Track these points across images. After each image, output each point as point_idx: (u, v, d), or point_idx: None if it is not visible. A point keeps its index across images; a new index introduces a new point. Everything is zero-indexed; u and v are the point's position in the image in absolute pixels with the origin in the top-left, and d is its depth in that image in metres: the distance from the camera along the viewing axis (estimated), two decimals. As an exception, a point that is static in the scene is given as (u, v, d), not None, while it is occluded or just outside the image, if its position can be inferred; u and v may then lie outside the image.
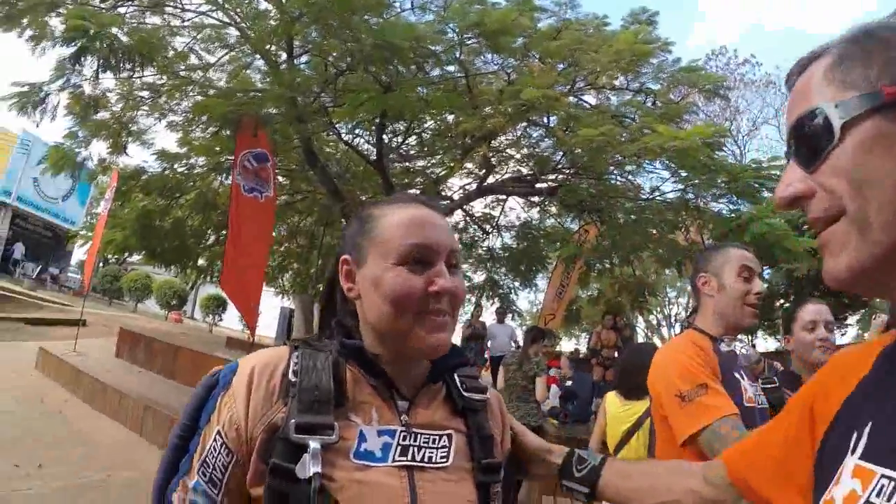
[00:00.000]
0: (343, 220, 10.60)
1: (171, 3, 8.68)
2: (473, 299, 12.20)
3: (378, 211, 1.07)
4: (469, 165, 11.28)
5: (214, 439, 0.95)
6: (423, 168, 11.46)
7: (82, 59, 7.41)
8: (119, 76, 8.55)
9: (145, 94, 9.89)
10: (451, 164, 10.61)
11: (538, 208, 12.33)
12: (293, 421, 0.91)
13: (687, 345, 1.95)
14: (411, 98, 6.83)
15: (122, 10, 8.41)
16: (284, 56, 8.71)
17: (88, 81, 8.50)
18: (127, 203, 10.87)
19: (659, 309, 29.01)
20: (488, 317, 11.74)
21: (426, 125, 10.48)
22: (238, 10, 8.18)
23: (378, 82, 7.22)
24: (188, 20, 8.94)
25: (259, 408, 0.95)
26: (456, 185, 12.52)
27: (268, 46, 8.15)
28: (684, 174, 8.35)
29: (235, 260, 7.26)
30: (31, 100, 8.44)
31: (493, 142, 9.55)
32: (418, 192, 10.82)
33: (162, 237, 10.47)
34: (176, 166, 10.80)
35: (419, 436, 1.00)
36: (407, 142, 10.98)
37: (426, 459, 0.99)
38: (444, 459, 1.01)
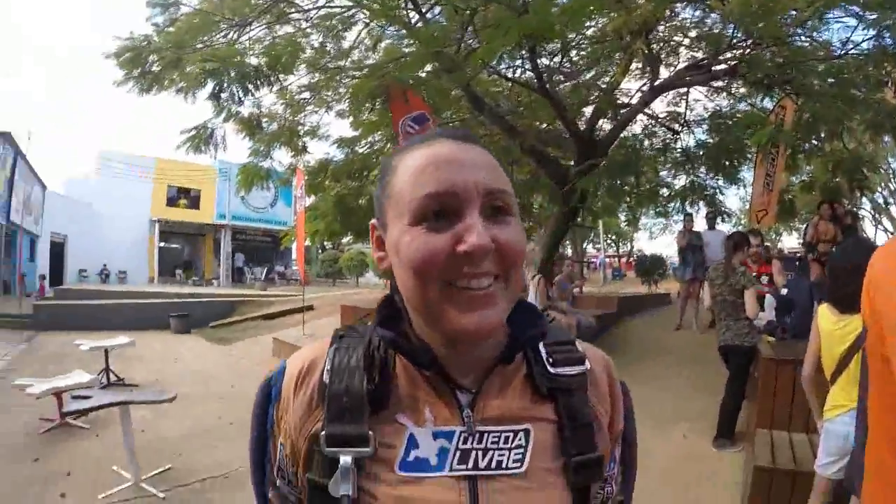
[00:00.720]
0: (525, 155, 10.54)
1: (294, 10, 8.97)
2: (678, 206, 11.52)
3: (396, 159, 0.83)
4: (637, 66, 10.51)
5: (280, 450, 0.86)
6: (592, 81, 10.68)
7: (220, 92, 8.05)
8: (268, 91, 9.12)
9: (306, 95, 10.50)
10: (616, 70, 10.00)
11: (724, 94, 11.04)
12: (323, 433, 0.78)
13: None
14: (548, 14, 6.44)
15: (251, 33, 8.91)
16: (416, 17, 8.72)
17: (240, 106, 9.26)
18: (322, 193, 11.73)
19: (883, 185, 24.97)
20: (700, 224, 10.92)
21: (579, 36, 9.62)
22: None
23: (511, 8, 6.92)
24: (314, 18, 9.20)
25: (300, 416, 0.82)
26: (633, 88, 11.75)
27: (395, 12, 8.17)
28: (873, 16, 7.04)
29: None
30: (200, 138, 9.39)
31: (651, 33, 8.74)
32: (592, 106, 10.43)
33: (361, 216, 11.04)
34: (357, 148, 11.40)
35: (486, 436, 0.79)
36: (567, 58, 10.25)
37: (493, 465, 0.78)
38: (518, 464, 0.78)
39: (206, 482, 5.20)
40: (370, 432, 0.76)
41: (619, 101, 10.76)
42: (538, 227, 14.71)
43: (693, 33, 9.77)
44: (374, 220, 0.87)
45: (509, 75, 10.57)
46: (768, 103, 9.77)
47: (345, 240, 17.47)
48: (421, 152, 0.78)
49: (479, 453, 0.78)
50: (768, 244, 12.60)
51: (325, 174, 11.39)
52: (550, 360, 0.85)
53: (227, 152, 10.15)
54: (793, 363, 2.85)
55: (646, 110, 10.82)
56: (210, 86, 8.07)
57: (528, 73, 9.84)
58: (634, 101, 10.61)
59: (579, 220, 11.44)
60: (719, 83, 10.06)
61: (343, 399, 0.78)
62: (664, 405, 6.55)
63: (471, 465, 0.77)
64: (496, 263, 0.74)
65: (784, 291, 6.46)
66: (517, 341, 0.83)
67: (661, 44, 10.03)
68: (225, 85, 7.91)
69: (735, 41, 8.65)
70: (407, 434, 0.78)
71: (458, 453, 0.78)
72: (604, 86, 10.30)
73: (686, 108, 11.14)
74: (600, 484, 0.87)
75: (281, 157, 11.44)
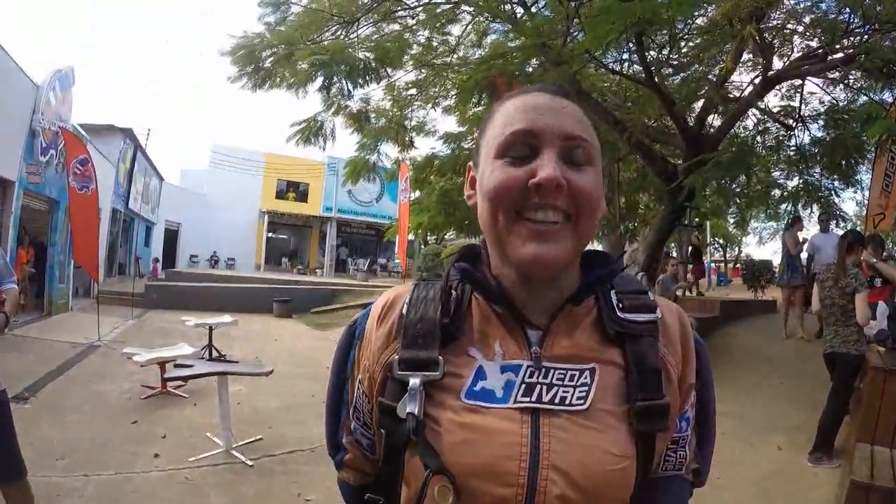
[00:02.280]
0: (632, 152, 10.27)
1: (401, 7, 9.06)
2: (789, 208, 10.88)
3: (496, 108, 0.87)
4: (749, 56, 9.96)
5: (357, 388, 0.92)
6: (701, 73, 10.10)
7: (329, 84, 8.23)
8: (374, 86, 9.26)
9: (413, 91, 10.63)
10: (726, 59, 9.52)
11: (841, 86, 10.35)
12: (396, 356, 0.82)
13: None
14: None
15: (360, 31, 9.07)
16: (521, 10, 8.63)
17: (348, 100, 9.47)
18: (427, 188, 11.87)
19: None
20: (813, 230, 10.27)
21: (687, 25, 9.10)
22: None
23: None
24: (419, 13, 9.27)
25: (379, 347, 0.86)
26: (744, 82, 11.18)
27: (499, 6, 8.12)
28: None
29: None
30: (311, 130, 9.67)
31: (762, 19, 8.22)
32: (701, 101, 9.98)
33: (465, 210, 11.06)
34: (463, 143, 11.45)
35: (551, 371, 0.79)
36: (676, 49, 9.78)
37: (557, 400, 0.78)
38: (582, 401, 0.78)
39: (294, 454, 5.35)
40: (440, 358, 0.80)
41: (729, 95, 10.28)
42: (644, 226, 14.37)
43: (807, 19, 9.10)
44: (469, 164, 0.93)
45: (616, 69, 10.31)
46: (889, 97, 8.96)
47: (448, 234, 17.72)
48: (517, 99, 0.84)
49: (544, 388, 0.78)
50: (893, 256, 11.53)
51: (430, 169, 11.52)
52: (620, 305, 0.85)
53: (335, 146, 10.49)
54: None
55: (758, 104, 10.25)
56: (319, 80, 8.28)
57: (636, 67, 9.56)
58: (746, 95, 10.11)
59: (685, 220, 11.03)
60: (835, 74, 9.36)
61: (417, 326, 0.83)
62: (761, 415, 6.27)
63: (534, 398, 0.78)
64: (567, 203, 0.78)
65: (898, 298, 5.94)
66: (588, 284, 0.84)
67: (774, 32, 9.48)
68: (334, 79, 8.10)
69: (852, 27, 8.01)
70: (476, 366, 0.81)
71: (523, 386, 0.79)
72: (713, 78, 9.82)
73: (801, 102, 10.34)
74: (671, 444, 0.87)
75: (388, 151, 11.72)
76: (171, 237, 31.73)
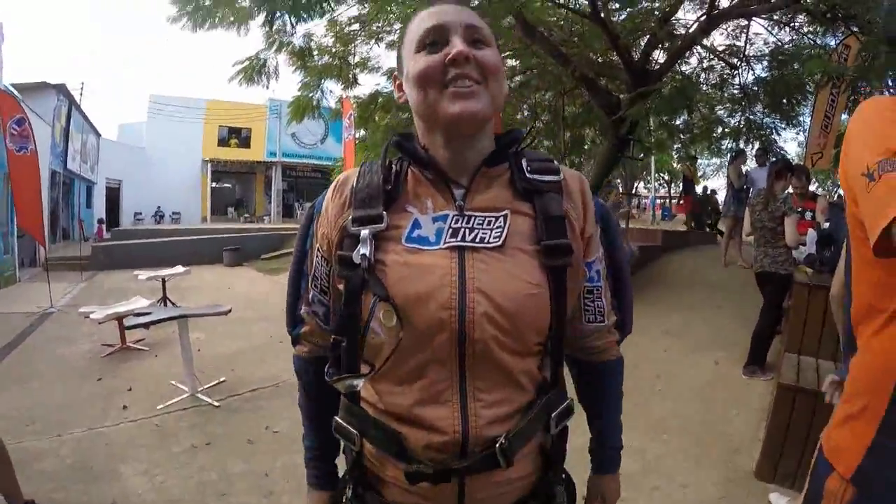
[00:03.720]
0: (577, 86, 10.31)
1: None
2: (731, 145, 11.14)
3: (410, 23, 1.07)
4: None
5: (315, 255, 1.12)
6: (649, 9, 10.00)
7: (272, 19, 8.06)
8: (317, 21, 9.08)
9: (356, 27, 10.45)
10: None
11: (787, 28, 10.58)
12: (349, 216, 1.01)
13: (885, 101, 1.14)
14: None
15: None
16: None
17: (291, 37, 9.32)
18: (371, 125, 11.77)
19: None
20: (751, 164, 10.54)
21: None
22: None
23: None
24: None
25: (335, 214, 1.06)
26: (691, 20, 11.26)
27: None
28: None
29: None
30: (254, 69, 9.46)
31: None
32: (647, 37, 10.11)
33: (410, 146, 11.01)
34: (407, 80, 11.35)
35: (472, 218, 1.00)
36: None
37: (478, 240, 0.98)
38: (497, 240, 0.98)
39: (257, 391, 5.53)
40: (384, 213, 1.00)
41: (675, 32, 10.38)
42: (589, 160, 14.52)
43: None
44: (395, 73, 1.12)
45: (562, 2, 10.29)
46: (833, 42, 9.25)
47: (394, 169, 17.79)
48: (425, 10, 1.03)
49: (467, 231, 0.99)
50: (819, 189, 11.90)
51: (374, 106, 11.34)
52: (529, 168, 1.06)
53: (278, 85, 10.25)
54: (826, 290, 2.77)
55: (703, 43, 10.40)
56: (262, 16, 8.08)
57: (582, 1, 9.57)
58: (691, 32, 10.23)
59: (629, 152, 11.21)
60: (781, 16, 9.59)
61: (365, 191, 1.03)
62: (699, 333, 6.58)
63: (459, 238, 0.98)
64: (477, 73, 0.97)
65: (825, 225, 6.28)
66: (499, 148, 1.06)
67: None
68: (277, 13, 7.91)
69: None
70: (412, 219, 1.01)
71: (450, 230, 0.99)
72: (658, 14, 9.90)
73: (746, 42, 10.49)
74: (587, 294, 1.13)
75: (332, 89, 11.53)
76: (113, 196, 30.58)
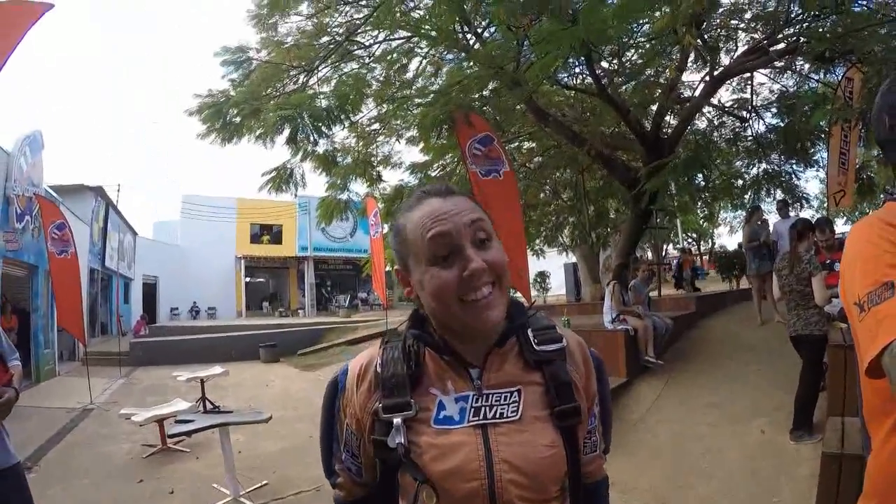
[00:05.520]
0: (594, 162, 10.48)
1: (357, 47, 9.37)
2: (748, 199, 11.18)
3: (403, 219, 1.16)
4: (696, 57, 10.26)
5: (346, 428, 1.21)
6: (652, 79, 10.43)
7: (296, 135, 8.48)
8: (340, 128, 9.44)
9: (376, 126, 10.86)
10: (670, 66, 9.83)
11: (789, 73, 10.56)
12: (380, 404, 1.11)
13: (874, 225, 1.19)
14: (597, 21, 6.43)
15: (320, 74, 9.42)
16: (473, 38, 8.90)
17: (315, 146, 9.74)
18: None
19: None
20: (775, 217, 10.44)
21: (634, 34, 9.31)
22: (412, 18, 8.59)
23: (559, 20, 6.95)
24: (376, 52, 9.59)
25: (364, 400, 1.15)
26: (696, 80, 11.52)
27: (453, 37, 8.37)
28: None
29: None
30: (281, 178, 9.93)
31: (702, 24, 8.50)
32: (656, 105, 10.31)
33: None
34: (429, 172, 11.73)
35: (490, 396, 1.10)
36: (625, 59, 10.01)
37: (498, 416, 1.08)
38: (515, 413, 1.08)
39: (301, 495, 5.46)
40: (412, 400, 1.09)
41: (682, 96, 10.58)
42: (615, 233, 14.56)
43: (748, 15, 9.56)
44: (397, 267, 1.21)
45: (570, 84, 10.58)
46: (837, 78, 9.17)
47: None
48: (420, 210, 1.12)
49: (487, 409, 1.09)
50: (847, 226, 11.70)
51: (399, 200, 11.64)
52: (535, 340, 1.16)
53: (305, 189, 10.62)
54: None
55: (711, 101, 10.57)
56: (286, 132, 8.50)
57: (589, 80, 9.85)
58: (697, 95, 10.43)
59: (656, 220, 11.26)
60: (781, 63, 9.77)
61: (392, 380, 1.12)
62: (742, 402, 6.48)
63: (481, 416, 1.08)
64: (490, 276, 1.07)
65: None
66: (508, 331, 1.15)
67: (719, 30, 9.83)
68: (300, 128, 8.30)
69: (792, 16, 8.43)
70: (437, 400, 1.11)
71: (472, 410, 1.09)
72: (665, 82, 10.13)
73: (752, 94, 10.80)
74: (586, 435, 1.20)
75: (357, 188, 11.90)
76: (150, 291, 31.43)
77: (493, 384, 1.11)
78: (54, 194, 15.26)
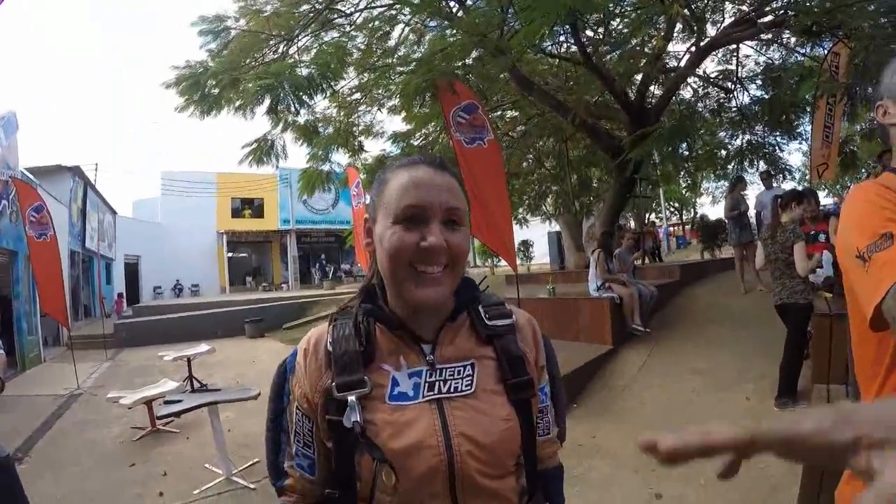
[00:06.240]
0: (578, 131, 10.43)
1: (337, 15, 9.19)
2: (731, 170, 11.20)
3: (388, 174, 1.15)
4: (682, 27, 10.20)
5: (296, 413, 1.17)
6: (637, 48, 10.21)
7: (277, 106, 8.32)
8: (322, 98, 9.28)
9: (357, 95, 10.71)
10: (656, 37, 9.76)
11: (775, 45, 10.62)
12: (332, 383, 1.08)
13: (871, 187, 1.28)
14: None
15: (300, 42, 9.25)
16: (456, 6, 8.78)
17: (296, 116, 9.61)
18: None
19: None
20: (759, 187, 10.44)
21: (619, 5, 9.17)
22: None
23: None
24: (357, 20, 9.42)
25: (314, 379, 1.13)
26: (681, 51, 11.46)
27: (436, 4, 8.23)
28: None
29: (479, 208, 7.42)
30: (262, 150, 9.76)
31: None
32: (641, 74, 10.31)
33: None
34: (412, 141, 11.70)
35: (444, 370, 1.11)
36: (610, 28, 9.87)
37: (452, 390, 1.09)
38: (469, 387, 1.10)
39: (292, 471, 5.44)
40: (365, 378, 1.07)
41: (667, 66, 10.54)
42: (599, 201, 14.58)
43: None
44: (366, 215, 1.20)
45: (555, 52, 10.49)
46: (823, 52, 9.16)
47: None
48: (407, 172, 1.10)
49: (441, 383, 1.10)
50: (832, 199, 11.84)
51: (382, 168, 11.58)
52: (486, 315, 1.19)
53: (287, 160, 10.46)
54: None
55: (697, 72, 10.55)
56: (267, 101, 8.35)
57: (574, 48, 9.77)
58: (683, 65, 10.39)
59: (639, 189, 11.29)
60: (768, 35, 9.71)
61: (344, 358, 1.10)
62: (727, 370, 6.54)
63: (436, 391, 1.09)
64: (447, 257, 1.07)
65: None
66: (459, 306, 1.17)
67: (706, 0, 9.76)
68: (280, 98, 8.15)
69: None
70: (390, 377, 1.10)
71: (426, 385, 1.09)
72: (650, 51, 10.08)
73: (737, 65, 10.81)
74: (538, 413, 1.22)
75: (339, 159, 11.77)
76: (132, 271, 31.22)
77: (446, 358, 1.12)
78: (31, 176, 14.95)
